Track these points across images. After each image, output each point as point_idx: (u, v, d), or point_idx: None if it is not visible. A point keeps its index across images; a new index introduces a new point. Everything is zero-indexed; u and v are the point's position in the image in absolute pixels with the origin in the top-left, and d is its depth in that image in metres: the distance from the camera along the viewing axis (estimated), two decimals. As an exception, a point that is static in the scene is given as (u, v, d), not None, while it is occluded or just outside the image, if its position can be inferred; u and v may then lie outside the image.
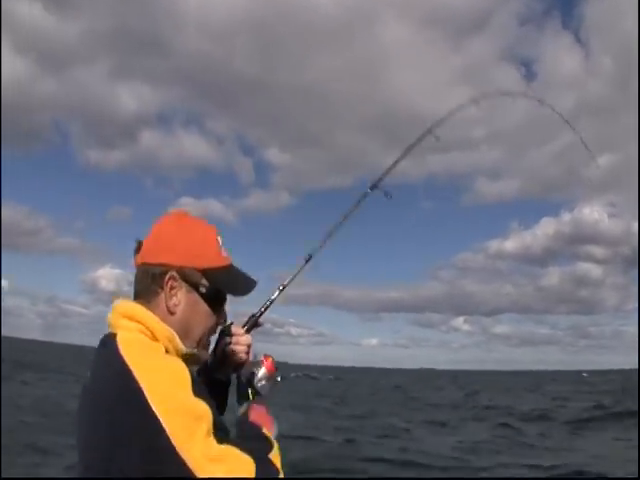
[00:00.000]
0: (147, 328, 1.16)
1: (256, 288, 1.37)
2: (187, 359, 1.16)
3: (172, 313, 1.22)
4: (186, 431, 0.99)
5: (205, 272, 1.25)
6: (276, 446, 1.18)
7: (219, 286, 1.27)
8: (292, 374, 50.70)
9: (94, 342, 1.22)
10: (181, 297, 1.23)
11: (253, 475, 1.05)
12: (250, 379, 1.33)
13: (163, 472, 0.98)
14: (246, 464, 1.06)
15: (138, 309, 1.19)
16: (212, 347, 1.39)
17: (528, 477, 9.03)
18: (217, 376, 1.44)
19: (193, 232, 1.28)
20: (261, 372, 1.34)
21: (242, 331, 1.44)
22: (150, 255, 1.24)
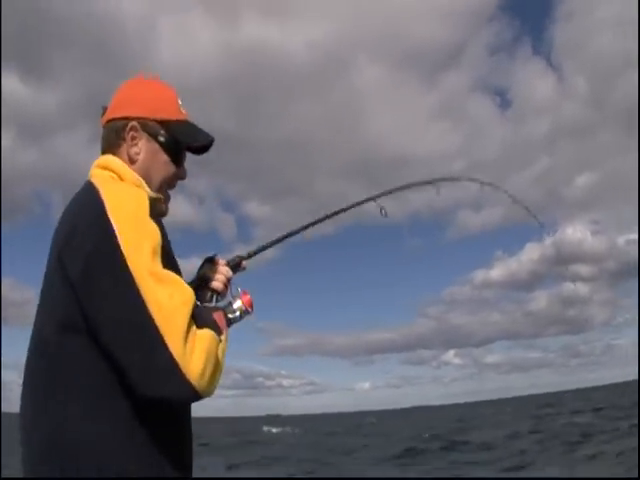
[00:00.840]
0: (117, 174, 1.28)
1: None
2: (151, 208, 1.18)
3: (133, 161, 1.32)
4: (135, 242, 1.06)
5: (164, 123, 1.35)
6: (225, 337, 1.18)
7: (177, 137, 1.37)
8: (265, 428, 48.48)
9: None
10: (142, 146, 1.33)
11: (191, 304, 1.06)
12: (225, 308, 1.35)
13: (108, 275, 1.04)
14: (188, 294, 1.08)
15: (111, 159, 1.31)
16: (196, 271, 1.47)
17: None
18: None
19: (153, 88, 1.39)
20: (237, 304, 1.37)
21: (224, 262, 1.49)
22: (113, 112, 1.36)
